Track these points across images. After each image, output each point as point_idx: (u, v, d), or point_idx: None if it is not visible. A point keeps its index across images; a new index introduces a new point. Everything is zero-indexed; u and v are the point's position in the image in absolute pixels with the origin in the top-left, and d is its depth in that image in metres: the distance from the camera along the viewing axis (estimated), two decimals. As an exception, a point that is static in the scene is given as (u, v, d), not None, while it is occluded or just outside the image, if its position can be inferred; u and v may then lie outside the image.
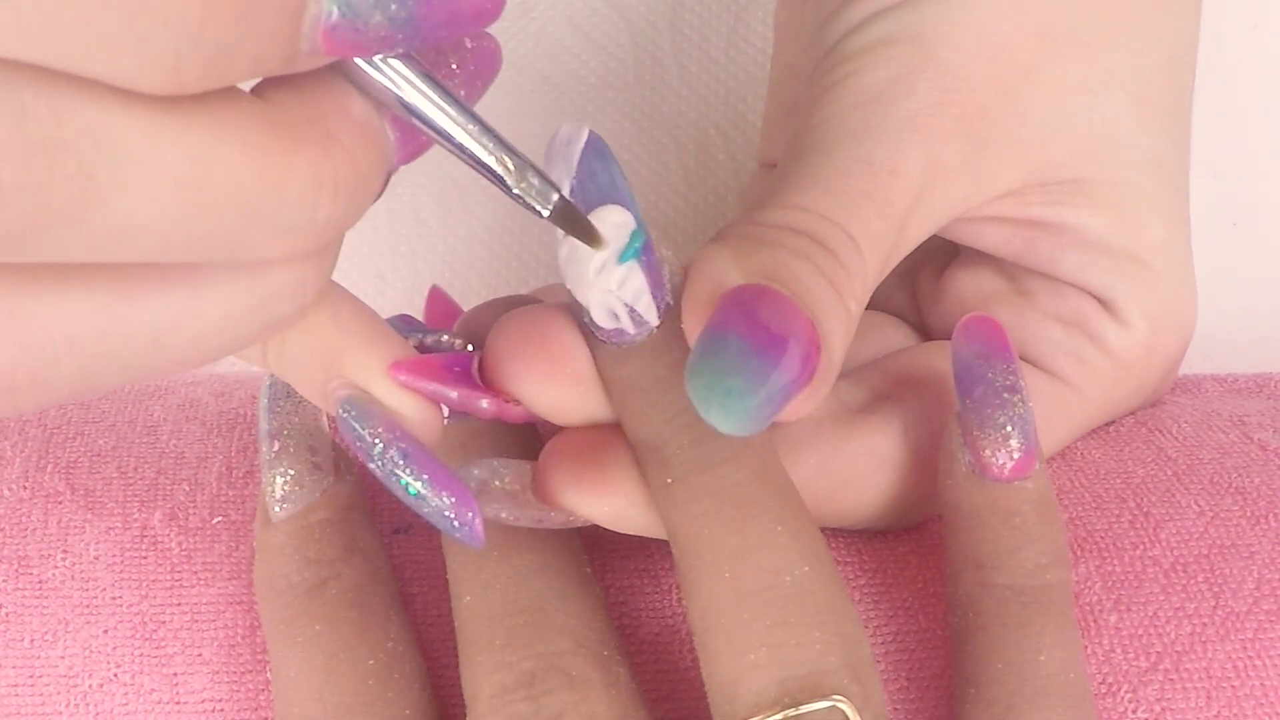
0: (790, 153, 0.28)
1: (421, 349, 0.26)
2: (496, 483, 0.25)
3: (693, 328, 0.24)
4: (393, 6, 0.17)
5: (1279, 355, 0.40)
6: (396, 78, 0.19)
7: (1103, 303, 0.30)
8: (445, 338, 0.26)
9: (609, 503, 0.25)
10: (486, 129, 0.20)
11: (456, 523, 0.23)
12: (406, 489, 0.23)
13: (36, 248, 0.17)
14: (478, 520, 0.23)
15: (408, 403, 0.23)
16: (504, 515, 0.25)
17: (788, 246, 0.25)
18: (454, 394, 0.25)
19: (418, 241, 0.42)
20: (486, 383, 0.25)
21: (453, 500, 0.23)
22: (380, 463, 0.22)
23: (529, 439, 0.28)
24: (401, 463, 0.22)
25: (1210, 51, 0.41)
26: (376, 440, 0.22)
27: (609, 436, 0.25)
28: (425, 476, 0.22)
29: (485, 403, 0.25)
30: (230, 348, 0.20)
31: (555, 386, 0.25)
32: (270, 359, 0.23)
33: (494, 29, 0.45)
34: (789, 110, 0.35)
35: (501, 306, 0.28)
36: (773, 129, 0.36)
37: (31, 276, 0.18)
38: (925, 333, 0.33)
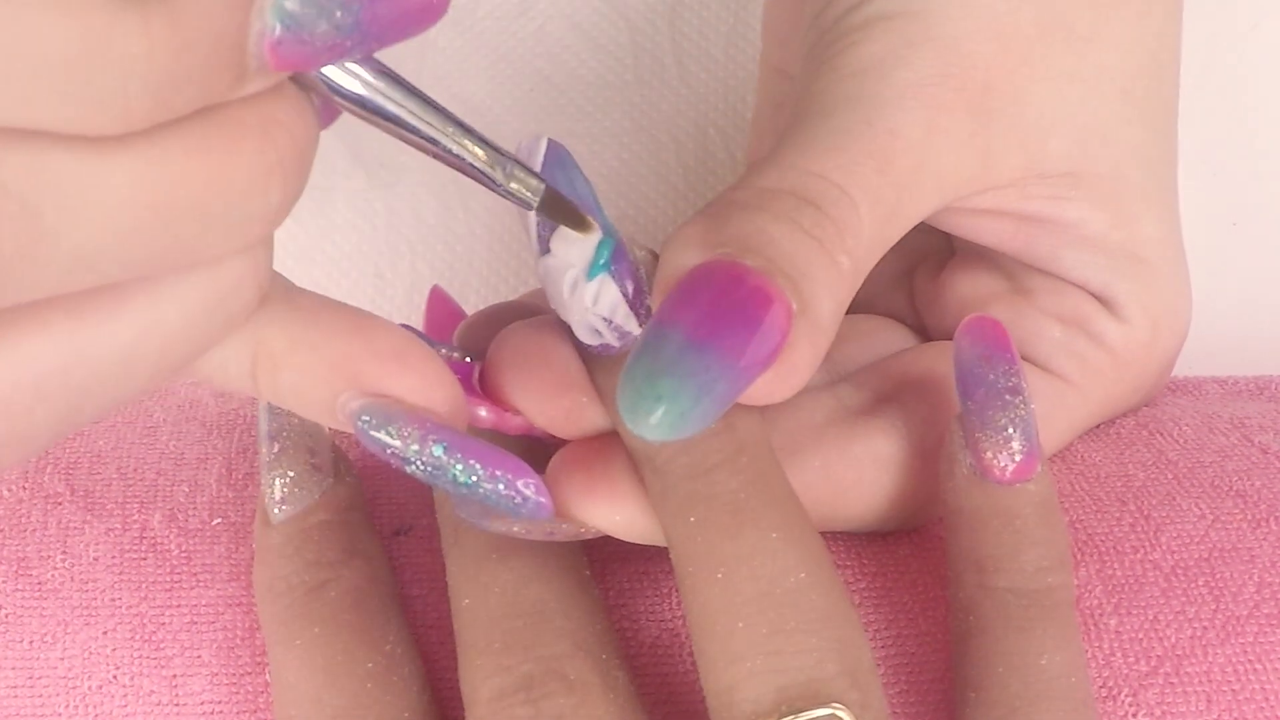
0: (786, 124, 0.28)
1: None
2: None
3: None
4: (338, 14, 0.16)
5: (1279, 356, 0.40)
6: (364, 84, 0.18)
7: (1102, 301, 0.30)
8: (444, 351, 0.26)
9: (620, 512, 0.25)
10: (464, 127, 0.19)
11: (519, 499, 0.21)
12: (457, 481, 0.21)
13: None
14: (537, 487, 0.21)
15: (434, 390, 0.21)
16: (516, 530, 0.25)
17: (768, 209, 0.24)
18: None
19: (418, 241, 0.42)
20: (488, 396, 0.25)
21: (510, 476, 0.21)
22: (420, 463, 0.21)
23: (531, 438, 0.28)
24: (445, 456, 0.21)
25: (1210, 51, 0.41)
26: (411, 442, 0.21)
27: (615, 446, 0.25)
28: (474, 462, 0.21)
29: (484, 411, 0.25)
30: (199, 349, 0.19)
31: (556, 400, 0.25)
32: (264, 388, 0.21)
33: (494, 28, 0.45)
34: (778, 110, 0.35)
35: (496, 316, 0.28)
36: (762, 129, 0.36)
37: None
38: (924, 334, 0.33)
